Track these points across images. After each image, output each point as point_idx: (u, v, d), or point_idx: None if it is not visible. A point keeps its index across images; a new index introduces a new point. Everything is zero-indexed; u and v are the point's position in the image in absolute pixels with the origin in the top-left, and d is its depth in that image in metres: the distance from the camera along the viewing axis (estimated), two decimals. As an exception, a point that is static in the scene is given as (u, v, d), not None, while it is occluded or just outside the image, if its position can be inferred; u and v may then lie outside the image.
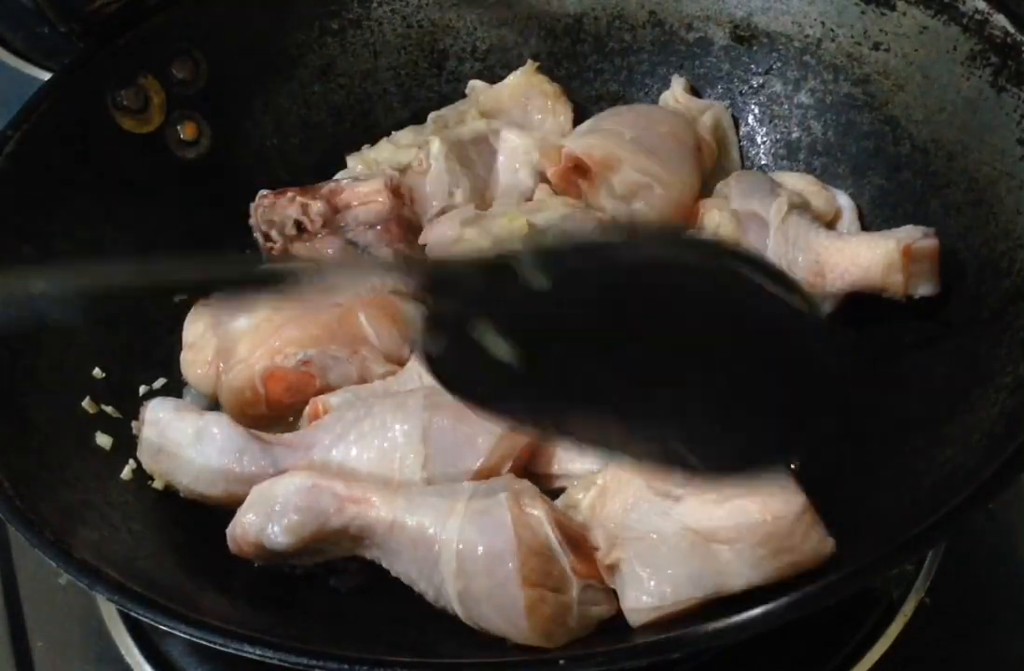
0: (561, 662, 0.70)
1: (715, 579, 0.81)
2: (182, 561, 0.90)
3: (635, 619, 0.83)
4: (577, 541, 0.86)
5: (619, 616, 0.87)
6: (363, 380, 1.02)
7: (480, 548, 0.82)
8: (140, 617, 0.77)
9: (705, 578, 0.81)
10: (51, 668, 1.06)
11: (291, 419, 1.03)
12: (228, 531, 0.91)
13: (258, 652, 0.72)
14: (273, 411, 1.02)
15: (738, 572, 0.81)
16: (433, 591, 0.85)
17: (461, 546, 0.83)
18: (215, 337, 1.05)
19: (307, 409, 1.00)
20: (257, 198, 1.14)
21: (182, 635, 0.75)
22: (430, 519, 0.85)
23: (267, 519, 0.88)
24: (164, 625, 0.75)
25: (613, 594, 0.85)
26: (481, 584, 0.82)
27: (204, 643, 0.74)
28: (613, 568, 0.85)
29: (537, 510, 0.84)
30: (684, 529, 0.83)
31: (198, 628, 0.75)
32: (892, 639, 0.97)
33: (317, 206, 1.11)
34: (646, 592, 0.82)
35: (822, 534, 0.82)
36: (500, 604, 0.82)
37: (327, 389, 1.01)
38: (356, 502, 0.87)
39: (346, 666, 0.71)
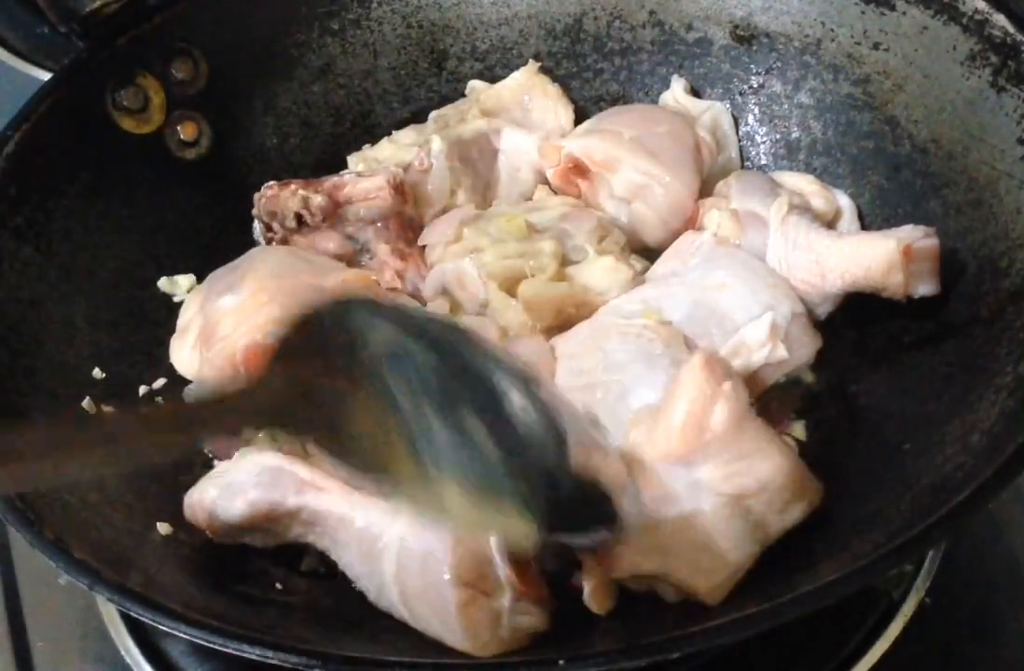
0: (561, 662, 0.70)
1: (758, 531, 0.86)
2: (182, 561, 0.90)
3: (714, 598, 0.84)
4: (521, 563, 0.85)
5: (616, 617, 0.88)
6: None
7: (418, 547, 0.83)
8: (140, 617, 0.77)
9: (750, 533, 0.86)
10: (51, 668, 1.06)
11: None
12: (186, 497, 0.93)
13: (258, 652, 0.72)
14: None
15: (772, 519, 0.87)
16: (375, 590, 0.86)
17: (401, 546, 0.83)
18: (201, 316, 1.05)
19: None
20: (262, 188, 1.14)
21: (182, 635, 0.75)
22: (377, 517, 0.86)
23: (225, 490, 0.90)
24: (164, 625, 0.75)
25: (544, 607, 0.86)
26: (416, 583, 0.83)
27: (204, 643, 0.74)
28: (654, 573, 0.86)
29: None
30: (718, 495, 0.85)
31: (198, 628, 0.75)
32: (892, 639, 0.97)
33: (318, 200, 1.11)
34: (713, 570, 0.84)
35: (813, 477, 0.91)
36: (433, 603, 0.82)
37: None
38: (315, 488, 0.89)
39: (346, 666, 0.71)
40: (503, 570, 0.83)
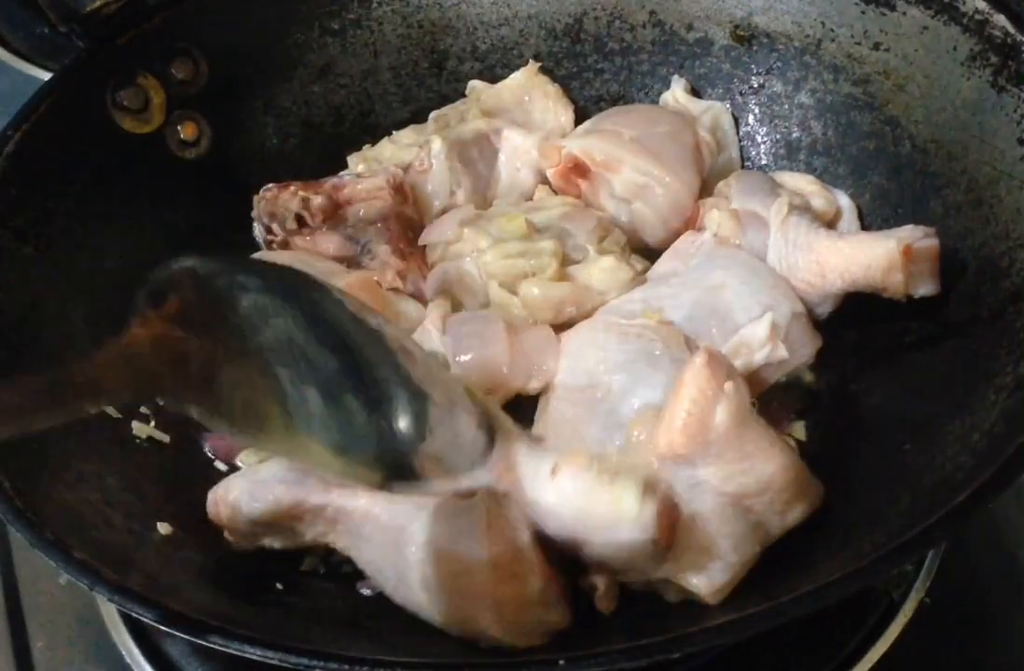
0: (561, 662, 0.70)
1: (758, 531, 0.87)
2: (182, 561, 0.90)
3: (715, 598, 0.85)
4: (545, 550, 0.86)
5: (616, 617, 0.88)
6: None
7: (449, 533, 0.84)
8: (140, 617, 0.77)
9: (751, 533, 0.86)
10: (51, 668, 1.06)
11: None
12: (210, 493, 0.93)
13: (258, 652, 0.72)
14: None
15: (773, 519, 0.87)
16: (394, 579, 0.86)
17: (430, 532, 0.84)
18: None
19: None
20: (261, 191, 1.14)
21: (182, 635, 0.75)
22: (405, 509, 0.87)
23: (251, 486, 0.91)
24: (164, 625, 0.75)
25: (566, 605, 0.86)
26: (446, 568, 0.83)
27: (204, 643, 0.74)
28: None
29: (512, 510, 0.85)
30: (720, 496, 0.86)
31: (198, 628, 0.75)
32: (892, 639, 0.97)
33: (318, 201, 1.11)
34: (715, 571, 0.85)
35: (814, 478, 0.90)
36: (464, 585, 0.83)
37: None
38: (341, 487, 0.89)
39: (346, 666, 0.71)
40: (533, 554, 0.84)
